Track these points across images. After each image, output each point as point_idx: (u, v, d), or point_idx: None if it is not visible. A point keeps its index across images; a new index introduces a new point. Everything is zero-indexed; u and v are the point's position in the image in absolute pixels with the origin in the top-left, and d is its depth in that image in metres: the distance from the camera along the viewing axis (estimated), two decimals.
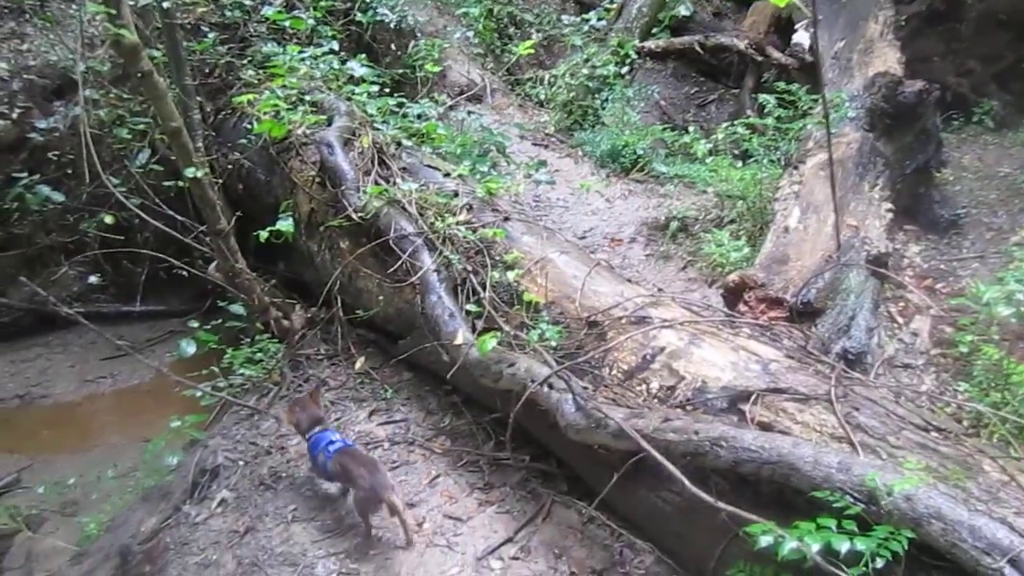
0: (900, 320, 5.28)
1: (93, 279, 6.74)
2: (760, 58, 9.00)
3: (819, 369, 3.72)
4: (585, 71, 9.00)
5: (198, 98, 6.65)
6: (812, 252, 4.90)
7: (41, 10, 7.62)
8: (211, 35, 7.11)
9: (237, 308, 5.50)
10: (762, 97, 6.92)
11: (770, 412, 3.40)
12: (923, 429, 3.23)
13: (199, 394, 5.23)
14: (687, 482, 3.00)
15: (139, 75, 4.23)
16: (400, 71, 8.33)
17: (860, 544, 2.51)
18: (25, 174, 6.71)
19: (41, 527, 5.28)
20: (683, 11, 9.29)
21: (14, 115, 7.21)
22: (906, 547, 2.51)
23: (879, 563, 2.48)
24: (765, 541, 2.62)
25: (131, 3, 4.86)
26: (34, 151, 7.17)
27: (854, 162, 5.77)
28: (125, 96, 6.95)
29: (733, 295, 4.60)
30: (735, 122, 7.08)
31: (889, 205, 5.65)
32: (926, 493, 2.62)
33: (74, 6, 8.12)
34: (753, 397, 3.47)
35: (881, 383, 3.98)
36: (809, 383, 3.52)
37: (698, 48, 9.62)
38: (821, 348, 4.11)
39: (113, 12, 3.93)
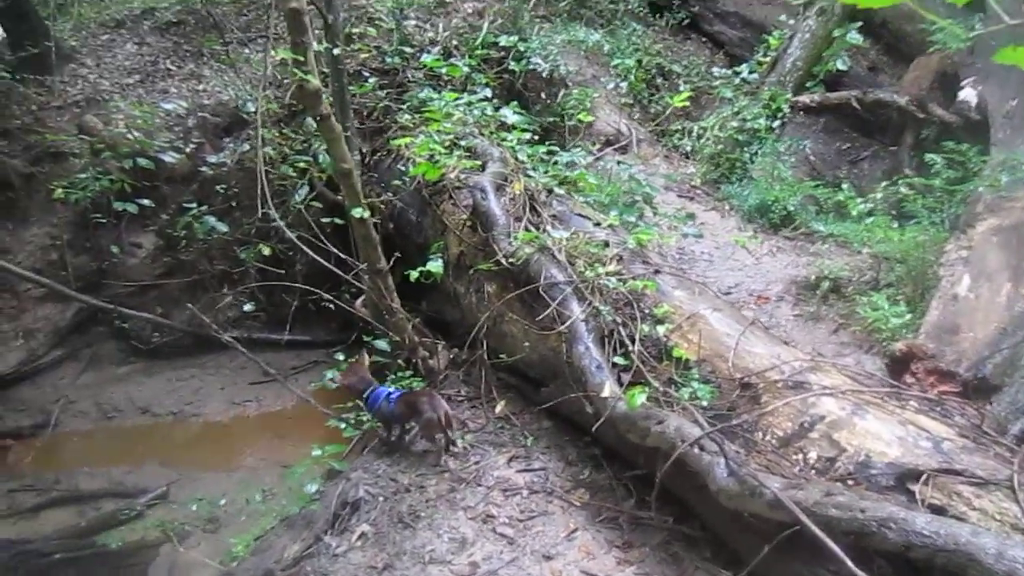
0: None
1: (248, 307, 7.06)
2: (922, 115, 8.61)
3: (998, 451, 3.45)
4: (735, 124, 8.84)
5: (357, 139, 6.92)
6: (985, 323, 4.60)
7: (225, 54, 8.16)
8: (371, 79, 7.46)
9: (382, 344, 5.63)
10: (928, 156, 6.60)
11: (942, 494, 3.18)
12: None
13: (342, 425, 5.38)
14: (850, 563, 2.84)
15: (318, 118, 4.42)
16: (550, 119, 8.44)
17: None
18: (194, 205, 7.15)
19: (185, 541, 5.52)
20: (840, 65, 9.01)
21: (188, 149, 7.73)
22: None
23: None
24: None
25: None
26: (203, 183, 7.65)
27: None
28: (291, 136, 7.33)
29: (899, 365, 4.36)
30: (896, 180, 6.78)
31: None
32: None
33: (247, 50, 8.69)
34: (924, 477, 3.25)
35: None
36: (987, 466, 3.27)
37: (855, 103, 9.32)
38: (997, 428, 3.82)
39: (301, 59, 4.14)
